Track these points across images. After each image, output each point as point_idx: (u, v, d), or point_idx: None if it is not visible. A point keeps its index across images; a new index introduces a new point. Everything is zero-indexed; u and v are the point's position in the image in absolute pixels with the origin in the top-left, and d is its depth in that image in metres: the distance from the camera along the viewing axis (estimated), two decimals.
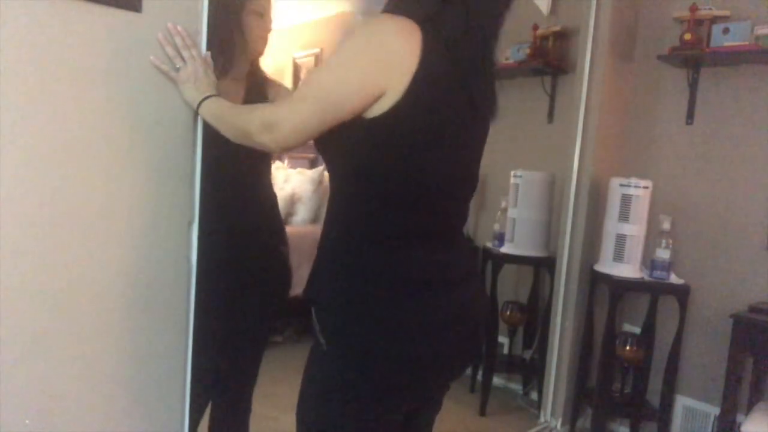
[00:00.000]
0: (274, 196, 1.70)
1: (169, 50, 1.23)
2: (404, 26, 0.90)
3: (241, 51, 1.50)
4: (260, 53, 1.56)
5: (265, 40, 1.54)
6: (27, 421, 1.15)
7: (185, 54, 1.24)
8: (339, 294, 0.99)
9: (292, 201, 3.83)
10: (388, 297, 0.95)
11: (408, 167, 0.95)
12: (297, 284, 3.72)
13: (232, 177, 1.50)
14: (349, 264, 0.99)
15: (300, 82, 1.02)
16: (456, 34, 0.94)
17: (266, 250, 1.64)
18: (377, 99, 0.91)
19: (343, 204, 1.03)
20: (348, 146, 0.98)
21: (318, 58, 4.32)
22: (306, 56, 4.46)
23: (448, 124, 0.97)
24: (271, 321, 1.73)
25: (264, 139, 1.02)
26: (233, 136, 1.14)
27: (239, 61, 1.51)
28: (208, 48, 1.33)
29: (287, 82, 4.66)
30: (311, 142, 1.03)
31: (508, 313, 2.88)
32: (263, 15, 1.50)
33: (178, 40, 1.23)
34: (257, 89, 1.56)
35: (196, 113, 1.27)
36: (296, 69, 4.56)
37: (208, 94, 1.23)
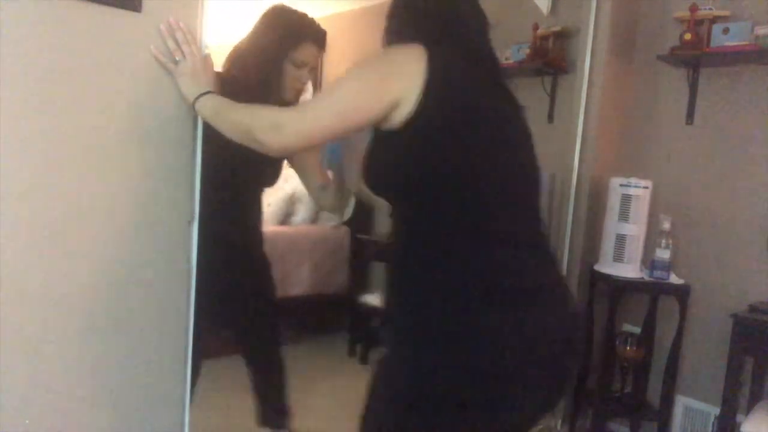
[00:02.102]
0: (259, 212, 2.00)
1: (170, 43, 1.23)
2: (410, 45, 0.96)
3: (274, 92, 1.65)
4: (291, 100, 1.70)
5: (297, 91, 1.70)
6: (27, 421, 1.15)
7: (185, 49, 1.24)
8: (408, 309, 0.99)
9: (292, 201, 3.83)
10: (452, 311, 0.93)
11: (449, 170, 0.94)
12: (296, 283, 3.72)
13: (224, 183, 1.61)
14: (414, 278, 0.97)
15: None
16: (462, 51, 1.00)
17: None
18: (392, 108, 0.93)
19: (402, 223, 1.02)
20: (388, 164, 0.99)
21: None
22: None
23: (480, 123, 0.98)
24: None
25: (267, 138, 1.02)
26: (232, 132, 1.13)
27: (272, 101, 1.60)
28: (250, 86, 1.52)
29: None
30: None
31: None
32: (300, 68, 1.66)
33: (179, 35, 1.24)
34: None
35: (193, 109, 1.26)
36: None
37: (206, 89, 1.23)
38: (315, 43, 1.69)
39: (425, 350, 0.94)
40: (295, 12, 1.71)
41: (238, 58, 1.68)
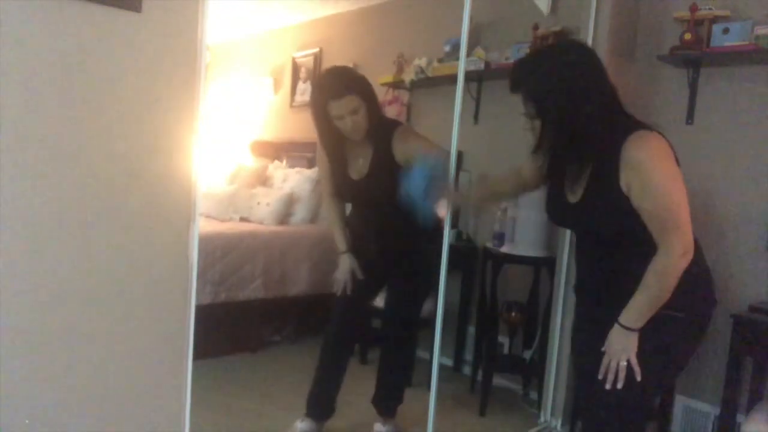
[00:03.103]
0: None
1: None
2: (653, 134, 1.50)
3: (343, 138, 2.17)
4: (361, 133, 2.13)
5: (356, 129, 2.10)
6: (27, 421, 1.15)
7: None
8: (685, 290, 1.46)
9: (291, 201, 3.83)
10: (704, 283, 1.60)
11: None
12: (295, 283, 3.70)
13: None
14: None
15: (655, 210, 1.44)
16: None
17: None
18: None
19: (648, 248, 1.43)
20: (633, 216, 1.48)
21: (317, 58, 4.32)
22: (305, 56, 4.44)
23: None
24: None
25: (685, 261, 1.42)
26: (668, 292, 1.44)
27: (349, 138, 2.16)
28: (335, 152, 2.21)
29: (286, 80, 4.66)
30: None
31: (508, 313, 2.88)
32: (342, 118, 2.06)
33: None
34: (381, 143, 2.18)
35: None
36: (296, 68, 4.55)
37: (631, 327, 1.47)
38: (335, 97, 2.02)
39: (689, 305, 1.51)
40: (317, 84, 2.15)
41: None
